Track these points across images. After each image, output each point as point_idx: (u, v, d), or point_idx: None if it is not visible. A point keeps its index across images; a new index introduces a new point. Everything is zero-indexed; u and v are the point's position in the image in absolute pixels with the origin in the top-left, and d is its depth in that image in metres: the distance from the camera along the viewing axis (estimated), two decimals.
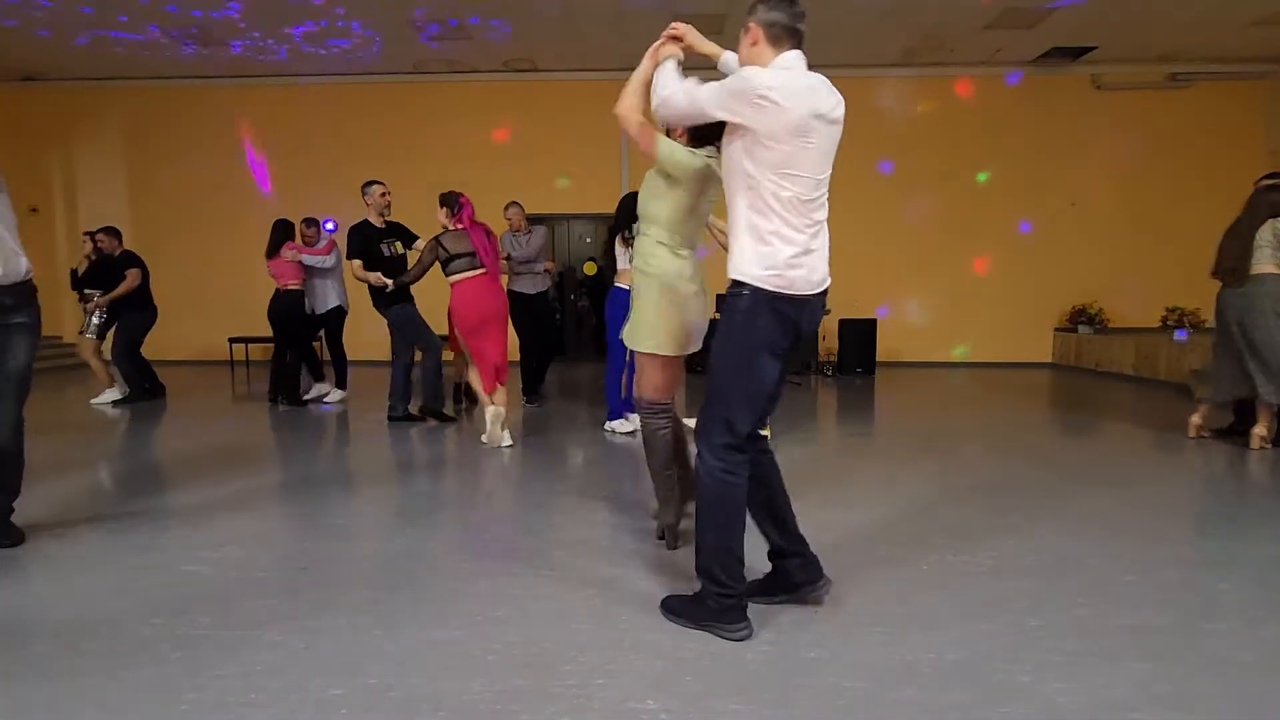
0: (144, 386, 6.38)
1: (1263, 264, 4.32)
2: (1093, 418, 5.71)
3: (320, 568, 2.61)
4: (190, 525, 3.07)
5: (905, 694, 1.77)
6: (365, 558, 2.72)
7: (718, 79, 2.12)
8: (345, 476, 3.95)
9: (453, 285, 4.50)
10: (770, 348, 2.01)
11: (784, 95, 1.89)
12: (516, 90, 9.25)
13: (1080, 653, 1.97)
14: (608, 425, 5.04)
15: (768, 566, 2.29)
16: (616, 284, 4.57)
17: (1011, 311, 9.22)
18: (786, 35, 2.00)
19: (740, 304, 2.00)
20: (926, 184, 9.07)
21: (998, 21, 7.50)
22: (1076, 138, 9.00)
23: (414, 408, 5.38)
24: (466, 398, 6.04)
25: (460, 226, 4.54)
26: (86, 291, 6.28)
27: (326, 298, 6.34)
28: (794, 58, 2.00)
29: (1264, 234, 4.31)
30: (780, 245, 1.95)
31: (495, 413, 4.48)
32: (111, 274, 6.18)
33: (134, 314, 6.29)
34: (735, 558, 2.05)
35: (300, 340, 6.30)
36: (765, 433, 2.33)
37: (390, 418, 5.33)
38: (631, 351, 2.77)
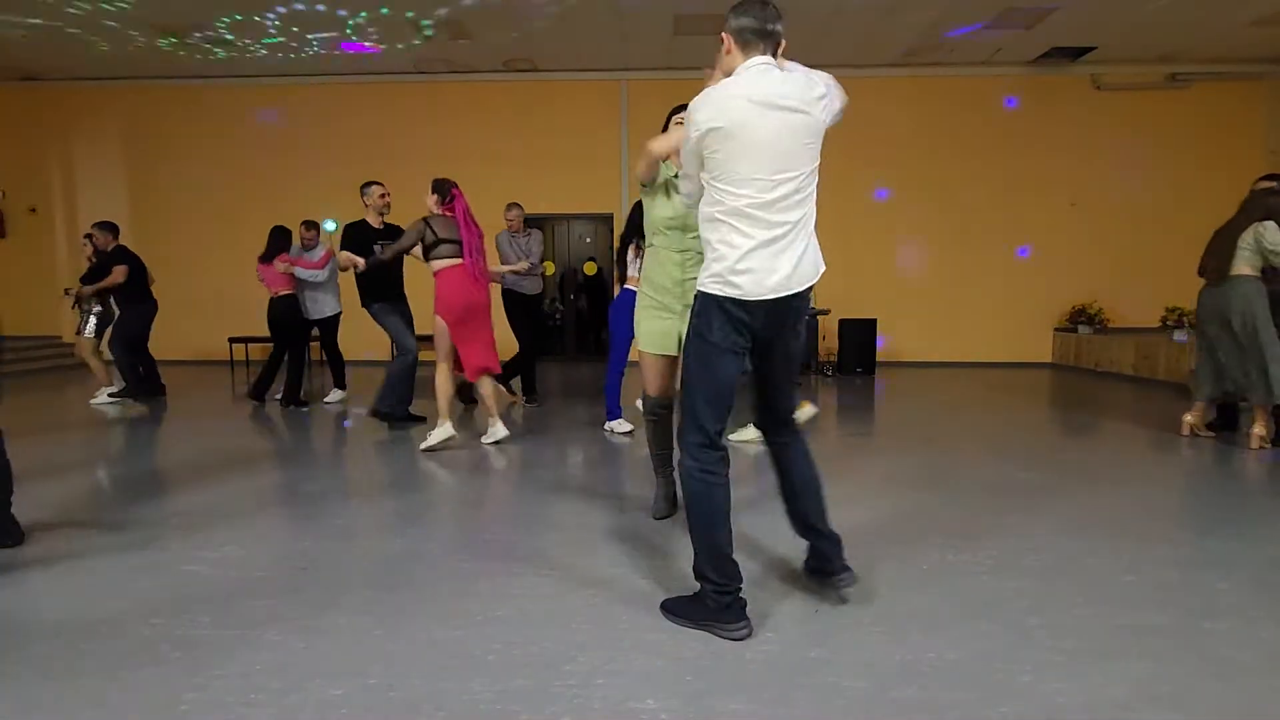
0: (141, 382, 6.22)
1: (1240, 266, 4.39)
2: (1092, 418, 5.71)
3: (320, 568, 2.61)
4: (190, 525, 3.07)
5: (905, 694, 1.77)
6: (365, 558, 2.72)
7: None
8: (345, 476, 3.95)
9: (437, 273, 4.41)
10: (730, 348, 2.06)
11: (704, 115, 2.01)
12: (516, 90, 9.26)
13: (1080, 652, 1.97)
14: (607, 426, 5.05)
15: (759, 563, 2.29)
16: (626, 286, 4.54)
17: (1011, 311, 9.23)
18: (757, 39, 2.03)
19: (695, 308, 2.12)
20: (926, 184, 9.07)
21: (998, 21, 7.50)
22: (1076, 138, 9.00)
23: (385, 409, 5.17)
24: (465, 399, 5.99)
25: (451, 215, 4.47)
26: (66, 290, 6.28)
27: (324, 305, 6.34)
28: (756, 61, 2.03)
29: (1247, 237, 4.35)
30: (725, 250, 2.02)
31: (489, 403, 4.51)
32: (105, 272, 6.14)
33: (130, 308, 6.21)
34: (724, 555, 2.06)
35: (297, 344, 6.29)
36: (807, 410, 2.44)
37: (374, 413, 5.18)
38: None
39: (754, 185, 2.00)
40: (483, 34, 7.84)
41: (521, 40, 8.05)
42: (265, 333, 6.50)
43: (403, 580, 2.48)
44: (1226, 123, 8.86)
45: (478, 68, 9.02)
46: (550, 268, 6.21)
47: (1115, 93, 8.92)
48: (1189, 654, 1.97)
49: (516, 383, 6.37)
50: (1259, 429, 4.43)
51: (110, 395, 6.19)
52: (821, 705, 1.73)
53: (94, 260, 6.28)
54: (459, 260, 4.40)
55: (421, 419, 5.26)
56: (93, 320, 6.39)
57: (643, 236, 3.07)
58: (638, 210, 3.83)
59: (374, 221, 5.22)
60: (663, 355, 2.89)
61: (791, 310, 2.10)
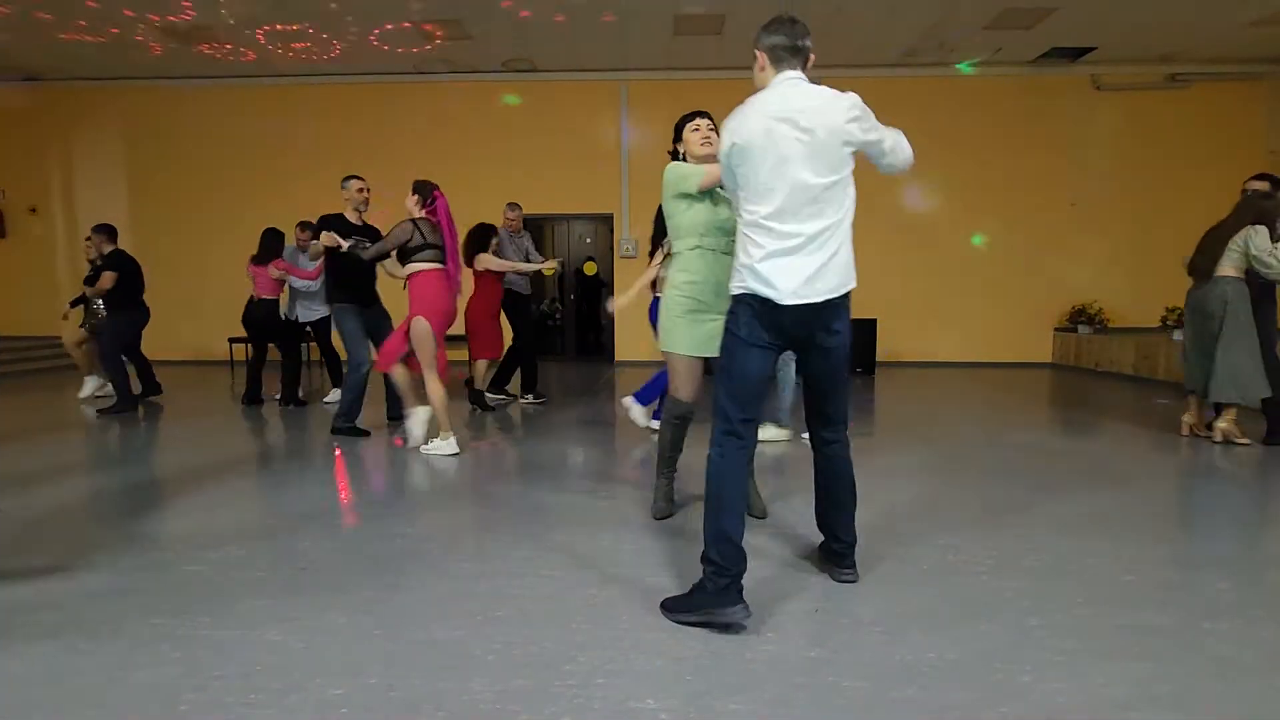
0: (130, 395, 5.99)
1: (1225, 267, 4.43)
2: (1092, 418, 5.71)
3: (320, 568, 2.61)
4: (190, 525, 3.07)
5: (905, 694, 1.77)
6: (365, 558, 2.72)
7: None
8: (345, 476, 3.95)
9: (418, 275, 4.24)
10: (755, 343, 2.19)
11: (728, 132, 2.18)
12: (516, 90, 9.26)
13: (1080, 652, 1.97)
14: (625, 400, 4.85)
15: (760, 563, 2.31)
16: (656, 293, 4.47)
17: (1011, 311, 9.23)
18: (789, 54, 2.15)
19: (730, 307, 2.28)
20: (926, 184, 9.07)
21: (997, 21, 7.51)
22: (1076, 138, 9.00)
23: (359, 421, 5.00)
24: (477, 401, 5.97)
25: (435, 220, 4.34)
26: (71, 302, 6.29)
27: (316, 309, 6.34)
28: (786, 76, 2.16)
29: (1238, 239, 4.38)
30: (744, 258, 2.18)
31: (427, 413, 4.43)
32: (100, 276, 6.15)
33: (119, 314, 6.08)
34: (728, 539, 2.09)
35: (289, 344, 6.27)
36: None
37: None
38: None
39: (766, 198, 2.12)
40: (483, 34, 7.85)
41: (521, 40, 8.05)
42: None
43: (403, 580, 2.48)
44: (1226, 123, 8.86)
45: (478, 68, 9.02)
46: (549, 268, 6.16)
47: (1115, 93, 8.92)
48: (1189, 654, 1.97)
49: (517, 384, 6.38)
50: (1222, 424, 4.55)
51: (99, 412, 6.02)
52: (821, 705, 1.73)
53: (95, 262, 6.29)
54: (440, 266, 4.28)
55: (366, 433, 4.93)
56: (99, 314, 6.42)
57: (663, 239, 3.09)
58: (661, 215, 3.78)
59: (352, 217, 5.05)
60: (699, 358, 2.87)
61: (819, 318, 2.17)
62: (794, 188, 2.09)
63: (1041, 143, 9.02)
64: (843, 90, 2.18)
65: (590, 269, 10.70)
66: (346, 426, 4.90)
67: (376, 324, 5.07)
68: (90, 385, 6.54)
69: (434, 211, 4.34)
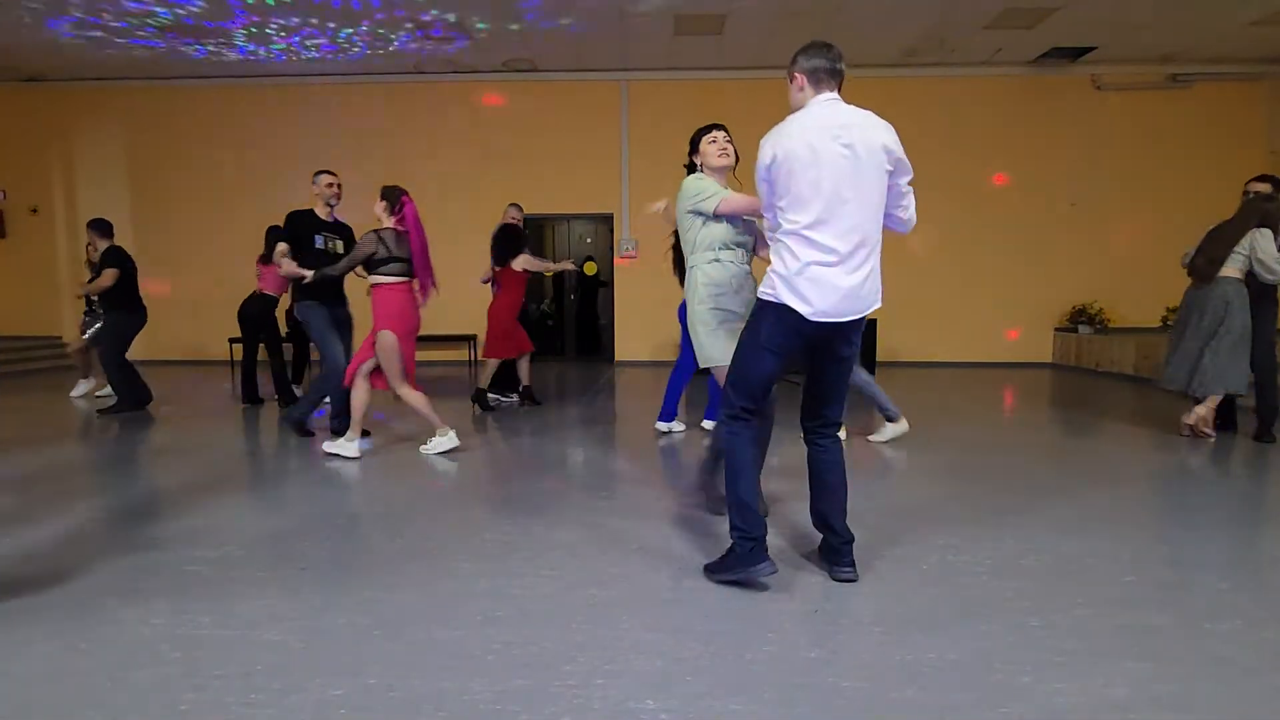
0: (131, 395, 5.97)
1: (1227, 268, 4.45)
2: (1093, 418, 5.71)
3: (320, 568, 2.61)
4: (190, 525, 3.07)
5: (905, 694, 1.77)
6: (365, 558, 2.72)
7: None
8: (344, 476, 3.95)
9: (383, 289, 4.15)
10: (771, 349, 2.34)
11: (767, 149, 2.28)
12: (516, 90, 9.26)
13: (1080, 653, 1.97)
14: (659, 426, 5.02)
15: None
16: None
17: (1012, 311, 9.23)
18: (829, 76, 2.30)
19: (754, 309, 2.45)
20: (926, 184, 9.05)
21: (998, 21, 7.50)
22: (1076, 138, 9.00)
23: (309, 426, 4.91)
24: (478, 400, 5.97)
25: (402, 229, 4.20)
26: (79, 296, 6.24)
27: None
28: (825, 97, 2.29)
29: (1244, 242, 4.40)
30: (780, 267, 2.30)
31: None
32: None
33: (116, 315, 5.98)
34: (745, 504, 2.35)
35: (276, 345, 6.25)
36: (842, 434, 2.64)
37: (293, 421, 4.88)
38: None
39: (806, 208, 2.23)
40: (483, 34, 7.84)
41: (522, 40, 8.05)
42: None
43: (403, 580, 2.48)
44: (1227, 123, 8.85)
45: (478, 68, 9.02)
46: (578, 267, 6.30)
47: (1115, 93, 8.92)
48: (1190, 655, 1.97)
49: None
50: (1189, 417, 4.63)
51: (100, 412, 5.96)
52: (821, 706, 1.73)
53: (94, 262, 6.28)
54: (406, 279, 4.18)
55: (311, 434, 4.85)
56: (91, 328, 6.40)
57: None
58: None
59: (322, 213, 4.84)
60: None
61: (840, 332, 2.31)
62: (832, 201, 2.20)
63: (1041, 143, 9.02)
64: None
65: (590, 269, 10.70)
66: (297, 419, 4.84)
67: (341, 325, 4.84)
68: (83, 386, 6.54)
69: (402, 219, 4.20)
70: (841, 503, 2.48)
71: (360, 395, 4.25)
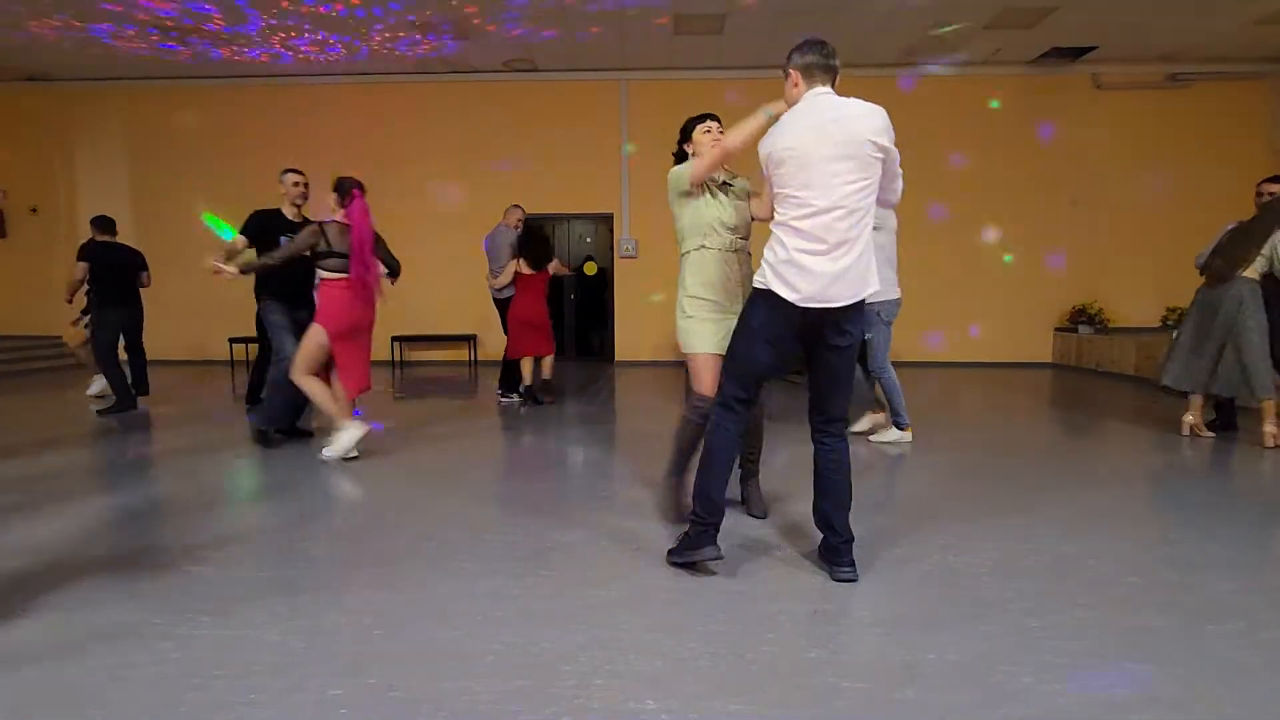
0: (129, 395, 5.94)
1: (1244, 269, 4.45)
2: (1093, 418, 5.71)
3: (320, 568, 2.61)
4: (191, 525, 3.06)
5: (905, 695, 1.77)
6: (365, 558, 2.72)
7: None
8: (343, 476, 3.95)
9: (323, 284, 4.07)
10: (765, 337, 2.39)
11: (766, 144, 2.36)
12: (516, 90, 9.26)
13: (1081, 654, 1.97)
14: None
15: (761, 563, 2.31)
16: None
17: (1012, 311, 9.23)
18: (823, 72, 2.35)
19: (750, 298, 2.50)
20: (926, 183, 9.06)
21: (997, 21, 7.50)
22: (1076, 137, 9.00)
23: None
24: (543, 392, 6.21)
25: (347, 222, 4.06)
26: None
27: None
28: (818, 91, 2.34)
29: (1268, 245, 4.40)
30: (771, 256, 2.36)
31: (352, 435, 4.13)
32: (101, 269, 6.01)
33: (97, 311, 5.94)
34: (709, 496, 2.43)
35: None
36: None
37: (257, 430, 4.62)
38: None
39: (796, 202, 2.29)
40: (483, 34, 7.84)
41: (522, 40, 8.05)
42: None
43: (403, 580, 2.48)
44: (1228, 122, 8.85)
45: (478, 68, 9.02)
46: (590, 268, 6.42)
47: (1115, 92, 8.92)
48: (1191, 656, 1.96)
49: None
50: (1269, 427, 4.47)
51: (99, 412, 5.91)
52: (821, 706, 1.73)
53: None
54: (345, 275, 4.04)
55: (310, 433, 4.81)
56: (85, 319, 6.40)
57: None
58: None
59: (289, 212, 4.71)
60: (719, 355, 2.83)
61: (831, 318, 2.32)
62: (822, 191, 2.24)
63: (1041, 142, 9.02)
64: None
65: (590, 269, 10.69)
66: (286, 425, 4.63)
67: (302, 328, 4.48)
68: (98, 384, 6.53)
69: (350, 214, 4.05)
70: (844, 503, 2.47)
71: (311, 387, 4.11)
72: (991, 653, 1.97)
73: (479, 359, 9.46)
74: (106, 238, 6.00)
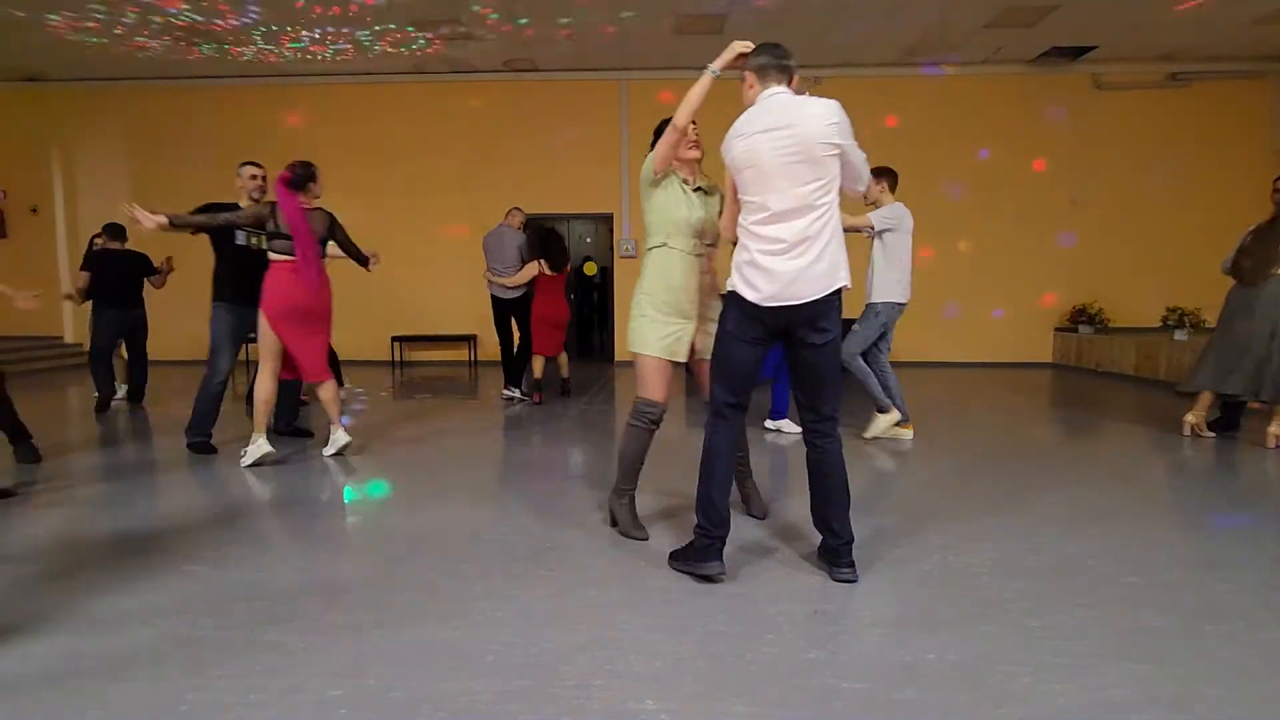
0: (104, 398, 5.99)
1: (1278, 267, 4.43)
2: (1093, 418, 5.70)
3: (320, 568, 2.61)
4: (190, 525, 3.06)
5: (905, 695, 1.77)
6: (365, 558, 2.72)
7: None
8: (342, 476, 3.95)
9: (270, 267, 4.03)
10: (742, 337, 2.40)
11: (728, 147, 2.38)
12: (516, 90, 9.26)
13: (1081, 654, 1.97)
14: (769, 424, 5.15)
15: (759, 563, 2.31)
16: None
17: (1012, 311, 9.22)
18: (776, 72, 2.36)
19: (725, 301, 2.50)
20: (926, 183, 9.06)
21: (998, 20, 7.50)
22: (1077, 137, 8.99)
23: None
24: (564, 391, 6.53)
25: (307, 206, 4.07)
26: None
27: None
28: (771, 91, 2.36)
29: None
30: (735, 257, 2.41)
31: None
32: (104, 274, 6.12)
33: (94, 314, 6.09)
34: (712, 504, 2.41)
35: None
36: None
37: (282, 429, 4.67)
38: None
39: (755, 206, 2.32)
40: (483, 34, 7.84)
41: (522, 40, 8.05)
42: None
43: (402, 580, 2.48)
44: (1228, 122, 8.84)
45: (478, 68, 9.01)
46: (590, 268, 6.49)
47: (1116, 92, 8.91)
48: (1191, 656, 1.96)
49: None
50: (1274, 428, 4.45)
51: (97, 411, 5.89)
52: (821, 707, 1.73)
53: None
54: (291, 259, 3.97)
55: (310, 433, 4.88)
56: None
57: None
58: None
59: (244, 205, 4.53)
60: (669, 360, 2.83)
61: (801, 316, 2.31)
62: (778, 195, 2.27)
63: (1041, 142, 9.02)
64: (842, 91, 2.27)
65: (590, 269, 10.69)
66: (198, 441, 4.46)
67: (250, 329, 4.41)
68: (122, 388, 6.49)
69: (290, 198, 3.99)
70: (842, 504, 2.46)
71: (264, 387, 4.06)
72: (991, 653, 1.97)
73: (479, 359, 9.46)
74: (115, 245, 6.11)
